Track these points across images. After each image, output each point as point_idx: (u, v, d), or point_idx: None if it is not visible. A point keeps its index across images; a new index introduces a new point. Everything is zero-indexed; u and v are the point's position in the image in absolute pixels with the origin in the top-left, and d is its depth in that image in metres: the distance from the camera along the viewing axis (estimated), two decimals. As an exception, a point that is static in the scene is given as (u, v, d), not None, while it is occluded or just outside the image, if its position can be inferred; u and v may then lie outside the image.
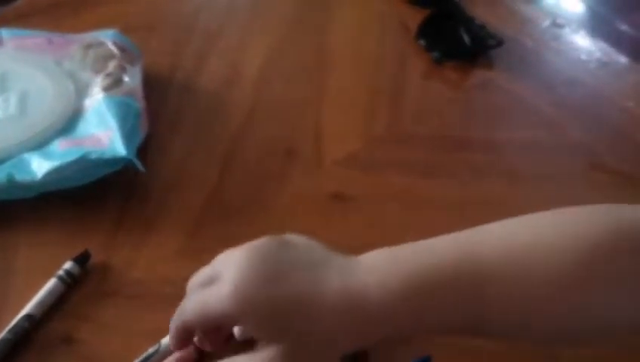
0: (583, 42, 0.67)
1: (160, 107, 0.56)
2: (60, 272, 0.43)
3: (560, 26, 0.68)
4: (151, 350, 0.40)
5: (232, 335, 0.41)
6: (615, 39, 0.67)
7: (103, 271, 0.45)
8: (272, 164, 0.53)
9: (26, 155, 0.48)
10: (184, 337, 0.38)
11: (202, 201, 0.50)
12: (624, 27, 0.71)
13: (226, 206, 0.50)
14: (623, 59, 0.64)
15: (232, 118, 0.57)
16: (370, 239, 0.47)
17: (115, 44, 0.56)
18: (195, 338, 0.39)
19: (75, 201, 0.49)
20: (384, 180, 0.52)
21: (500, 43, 0.63)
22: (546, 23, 0.68)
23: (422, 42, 0.65)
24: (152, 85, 0.57)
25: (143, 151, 0.51)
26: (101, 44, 0.56)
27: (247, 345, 0.40)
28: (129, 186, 0.50)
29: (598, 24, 0.71)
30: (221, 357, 0.36)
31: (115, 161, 0.47)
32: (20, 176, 0.46)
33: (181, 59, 0.62)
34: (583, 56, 0.65)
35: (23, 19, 0.65)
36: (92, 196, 0.49)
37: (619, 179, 0.53)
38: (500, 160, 0.54)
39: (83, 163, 0.47)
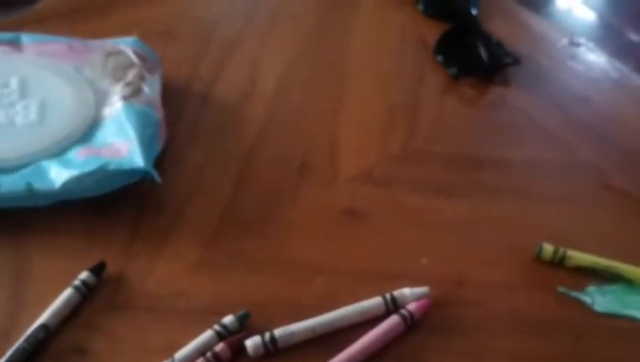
0: (599, 62, 0.67)
1: (176, 117, 0.57)
2: (76, 282, 0.44)
3: (576, 45, 0.68)
4: (164, 364, 0.40)
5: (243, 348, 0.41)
6: (626, 50, 0.67)
7: (117, 282, 0.45)
8: (287, 177, 0.53)
9: (45, 163, 0.48)
10: None
11: (217, 214, 0.50)
12: (635, 38, 0.71)
13: (241, 219, 0.50)
14: (639, 81, 0.64)
15: (247, 130, 0.57)
16: (383, 256, 0.48)
17: (135, 52, 0.56)
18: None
19: (90, 211, 0.49)
20: (398, 197, 0.52)
21: (517, 61, 0.63)
22: (563, 41, 0.68)
23: (439, 58, 0.65)
24: (168, 94, 0.57)
25: (159, 161, 0.51)
26: (121, 52, 0.56)
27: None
28: (144, 197, 0.51)
29: (609, 35, 0.71)
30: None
31: (133, 172, 0.48)
32: (38, 185, 0.47)
33: (198, 68, 0.62)
34: (599, 76, 0.65)
35: (42, 23, 0.66)
36: (107, 206, 0.49)
37: (630, 201, 0.53)
38: (513, 179, 0.55)
39: (101, 173, 0.47)
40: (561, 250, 0.47)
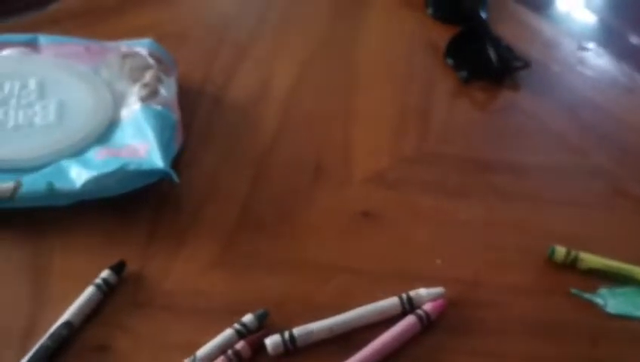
0: (608, 66, 0.67)
1: (190, 119, 0.57)
2: (98, 280, 0.44)
3: (586, 50, 0.69)
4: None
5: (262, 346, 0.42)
6: (634, 55, 0.68)
7: (137, 281, 0.46)
8: (301, 179, 0.54)
9: (64, 163, 0.49)
10: None
11: (233, 215, 0.51)
12: (637, 40, 0.72)
13: (256, 220, 0.51)
14: (648, 86, 0.65)
15: (261, 132, 0.58)
16: (397, 257, 0.49)
17: (151, 54, 0.57)
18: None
19: (108, 210, 0.50)
20: (411, 200, 0.53)
21: (526, 65, 0.64)
22: (572, 46, 0.69)
23: (450, 61, 0.66)
24: (182, 96, 0.58)
25: (174, 162, 0.52)
26: (137, 53, 0.57)
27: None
28: (162, 197, 0.51)
29: (617, 40, 0.72)
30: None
31: (153, 172, 0.48)
32: (59, 185, 0.47)
33: (212, 70, 0.63)
34: (608, 82, 0.66)
35: (57, 24, 0.66)
36: (125, 206, 0.50)
37: (640, 205, 0.54)
38: (523, 183, 0.55)
39: (121, 173, 0.48)
40: (573, 252, 0.47)
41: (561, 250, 0.47)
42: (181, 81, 0.59)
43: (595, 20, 0.76)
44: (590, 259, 0.47)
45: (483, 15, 0.70)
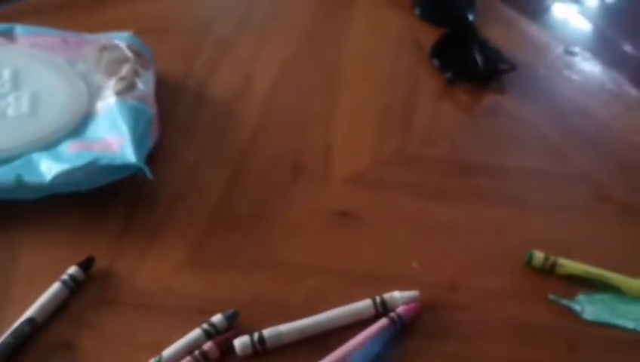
0: (595, 72, 0.67)
1: (170, 114, 0.56)
2: (64, 277, 0.43)
3: (573, 54, 0.68)
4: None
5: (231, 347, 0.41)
6: (621, 60, 0.67)
7: (106, 277, 0.45)
8: (280, 177, 0.53)
9: (35, 156, 0.48)
10: None
11: (208, 212, 0.50)
12: (631, 49, 0.71)
13: (232, 218, 0.50)
14: (634, 92, 0.64)
15: (241, 129, 0.57)
16: (374, 259, 0.48)
17: (129, 47, 0.56)
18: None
19: (80, 205, 0.49)
20: (391, 201, 0.52)
21: (512, 68, 0.63)
22: (559, 50, 0.68)
23: (435, 62, 0.65)
24: (162, 91, 0.57)
25: (151, 157, 0.51)
26: (115, 46, 0.56)
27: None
28: (135, 192, 0.50)
29: (604, 45, 0.72)
30: None
31: (125, 167, 0.47)
32: (28, 178, 0.46)
33: (193, 66, 0.62)
34: (595, 87, 0.65)
35: (37, 15, 0.65)
36: (98, 200, 0.49)
37: (625, 212, 0.53)
38: (507, 187, 0.54)
39: (92, 168, 0.47)
40: (552, 257, 0.47)
41: (539, 256, 0.47)
42: (162, 75, 0.58)
43: (584, 25, 0.75)
44: (569, 265, 0.47)
45: (470, 17, 0.69)
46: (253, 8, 0.70)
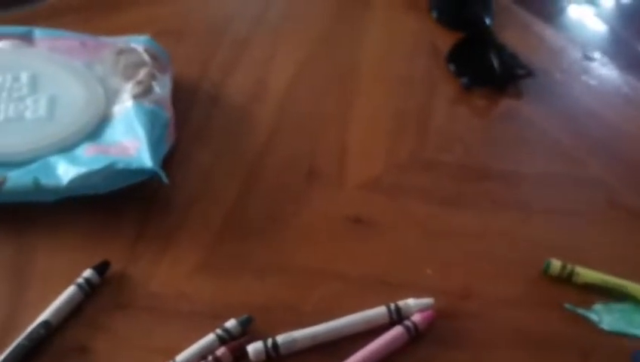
0: (612, 77, 0.66)
1: (185, 117, 0.56)
2: (80, 280, 0.43)
3: (590, 59, 0.67)
4: (165, 366, 0.40)
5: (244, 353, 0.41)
6: (633, 63, 0.67)
7: (121, 281, 0.45)
8: (294, 182, 0.53)
9: (52, 159, 0.48)
10: None
11: (222, 217, 0.50)
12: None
13: (246, 223, 0.50)
14: (651, 98, 0.63)
15: (256, 133, 0.57)
16: (388, 265, 0.48)
17: (146, 50, 0.56)
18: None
19: (95, 208, 0.49)
20: (405, 207, 0.52)
21: (529, 73, 0.63)
22: (576, 54, 0.68)
23: (451, 66, 0.64)
24: (177, 94, 0.57)
25: (166, 161, 0.51)
26: (133, 50, 0.56)
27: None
28: (150, 196, 0.50)
29: (622, 50, 0.71)
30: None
31: (141, 171, 0.47)
32: (45, 181, 0.47)
33: (208, 69, 0.62)
34: (612, 92, 0.64)
35: (54, 18, 0.66)
36: (113, 204, 0.49)
37: (638, 218, 0.52)
38: (521, 192, 0.54)
39: (109, 171, 0.47)
40: (569, 266, 0.46)
41: (556, 264, 0.46)
42: (177, 78, 0.59)
43: (602, 29, 0.75)
44: (586, 274, 0.46)
45: (487, 21, 0.69)
46: (269, 10, 0.70)
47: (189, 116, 0.57)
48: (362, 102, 0.61)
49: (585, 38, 0.72)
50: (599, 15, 0.78)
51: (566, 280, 0.47)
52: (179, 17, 0.69)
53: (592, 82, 0.65)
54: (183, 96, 0.58)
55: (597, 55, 0.67)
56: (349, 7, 0.72)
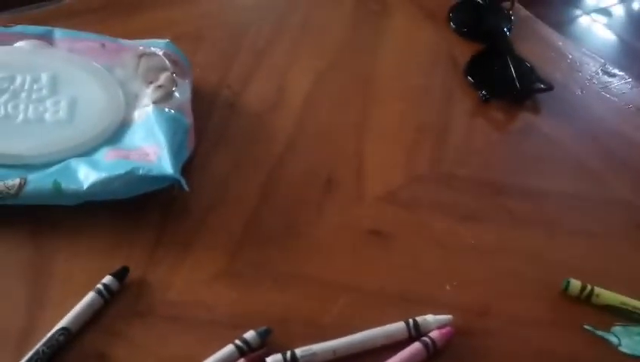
0: (632, 93, 0.66)
1: (204, 123, 0.56)
2: (99, 286, 0.43)
3: (610, 75, 0.67)
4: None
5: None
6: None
7: (140, 288, 0.45)
8: (312, 192, 0.53)
9: (73, 163, 0.48)
10: None
11: (241, 225, 0.50)
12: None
13: (265, 232, 0.50)
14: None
15: (274, 141, 0.56)
16: (406, 279, 0.48)
17: (167, 55, 0.56)
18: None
19: (115, 213, 0.49)
20: (423, 221, 0.52)
21: (549, 88, 0.63)
22: (597, 70, 0.68)
23: (470, 79, 0.64)
24: (195, 99, 0.57)
25: (184, 167, 0.51)
26: (154, 54, 0.56)
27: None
28: (169, 202, 0.50)
29: (637, 62, 0.71)
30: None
31: (162, 178, 0.47)
32: (65, 184, 0.46)
33: (227, 75, 0.62)
34: (631, 109, 0.64)
35: (73, 17, 0.65)
36: (132, 209, 0.49)
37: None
38: (539, 209, 0.54)
39: (129, 177, 0.47)
40: (589, 286, 0.46)
41: (576, 284, 0.46)
42: (196, 83, 0.58)
43: (622, 44, 0.74)
44: (606, 295, 0.46)
45: (507, 33, 0.69)
46: (289, 17, 0.70)
47: (207, 123, 0.57)
48: (380, 113, 0.61)
49: (604, 53, 0.72)
50: (616, 30, 0.78)
51: (585, 300, 0.46)
52: (196, 22, 0.68)
53: (612, 98, 0.64)
54: (202, 102, 0.58)
55: (617, 70, 0.67)
56: (368, 16, 0.72)
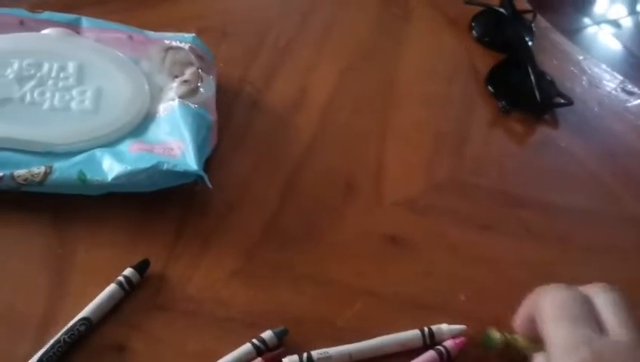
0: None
1: (226, 120, 0.57)
2: (120, 278, 0.44)
3: (628, 93, 0.67)
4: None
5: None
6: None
7: (160, 281, 0.46)
8: (332, 196, 0.53)
9: (98, 153, 0.48)
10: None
11: (261, 225, 0.50)
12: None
13: (283, 233, 0.50)
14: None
15: (295, 142, 0.57)
16: (421, 287, 0.48)
17: (193, 50, 0.56)
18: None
19: (136, 205, 0.49)
20: (440, 229, 0.52)
21: (568, 102, 0.63)
22: (617, 87, 0.68)
23: (490, 88, 0.65)
24: (218, 95, 0.57)
25: (207, 164, 0.51)
26: (180, 48, 0.56)
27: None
28: (190, 198, 0.51)
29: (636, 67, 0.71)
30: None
31: (186, 174, 0.48)
32: (91, 176, 0.47)
33: (250, 72, 0.62)
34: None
35: (99, 5, 0.66)
36: (154, 203, 0.49)
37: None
38: (555, 223, 0.54)
39: (154, 171, 0.47)
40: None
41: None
42: (219, 78, 0.59)
43: (630, 57, 0.75)
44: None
45: (529, 44, 0.69)
46: (313, 15, 0.70)
47: (229, 120, 0.57)
48: (400, 118, 0.61)
49: (624, 70, 0.72)
50: (619, 37, 0.78)
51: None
52: (221, 16, 0.68)
53: (631, 116, 0.65)
54: (224, 98, 0.58)
55: (636, 89, 0.67)
56: (390, 20, 0.72)
